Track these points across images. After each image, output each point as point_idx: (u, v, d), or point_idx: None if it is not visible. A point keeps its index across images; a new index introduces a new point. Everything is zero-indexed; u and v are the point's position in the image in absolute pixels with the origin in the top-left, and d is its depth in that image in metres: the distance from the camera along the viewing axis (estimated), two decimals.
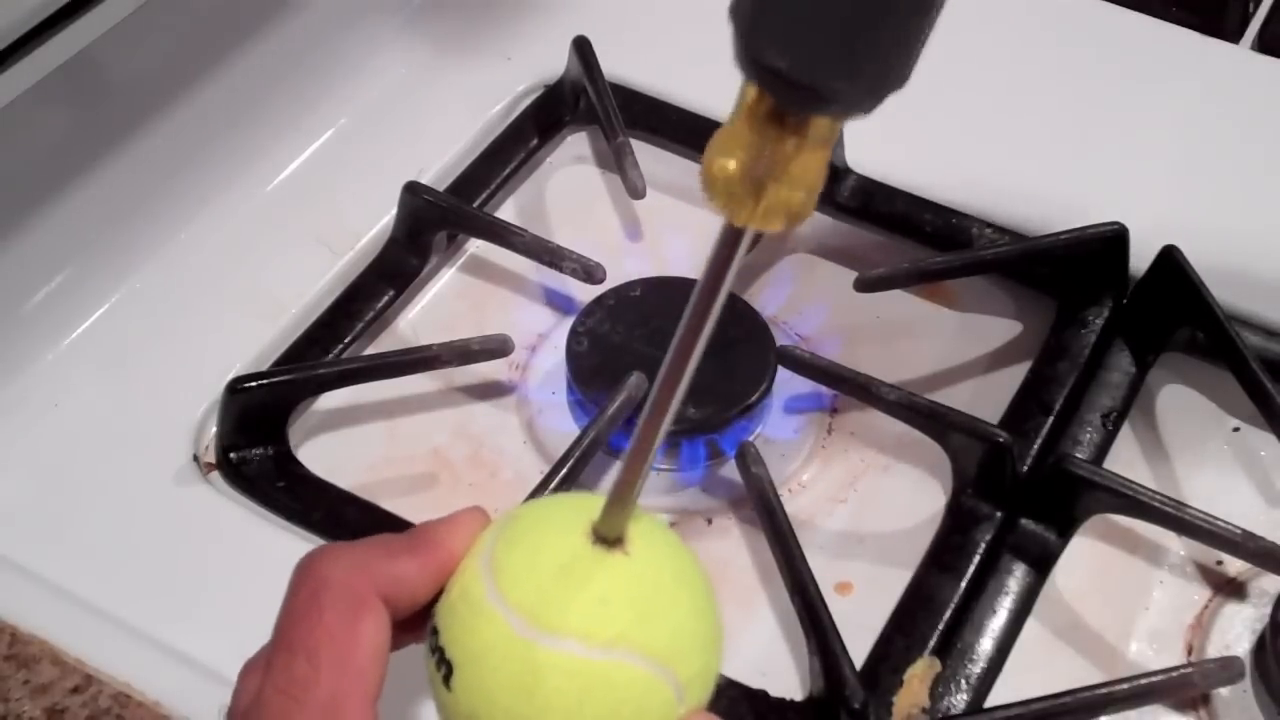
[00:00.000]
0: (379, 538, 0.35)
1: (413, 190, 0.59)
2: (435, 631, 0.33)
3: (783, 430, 0.56)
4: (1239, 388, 0.54)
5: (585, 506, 0.34)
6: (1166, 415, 0.56)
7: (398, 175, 0.61)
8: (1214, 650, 0.49)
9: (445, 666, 0.33)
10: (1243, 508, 0.52)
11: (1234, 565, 0.51)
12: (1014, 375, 0.56)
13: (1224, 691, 0.47)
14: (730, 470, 0.53)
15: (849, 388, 0.53)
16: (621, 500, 0.33)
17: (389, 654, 0.33)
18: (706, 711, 0.33)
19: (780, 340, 0.56)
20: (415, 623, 0.34)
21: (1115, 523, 0.51)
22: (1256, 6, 0.72)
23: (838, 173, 0.62)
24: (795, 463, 0.55)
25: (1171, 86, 0.68)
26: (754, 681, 0.47)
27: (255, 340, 0.57)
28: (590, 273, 0.56)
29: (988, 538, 0.50)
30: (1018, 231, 0.60)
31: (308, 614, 0.33)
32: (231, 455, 0.53)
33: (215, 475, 0.53)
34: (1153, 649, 0.49)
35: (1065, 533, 0.51)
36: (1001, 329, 0.60)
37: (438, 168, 0.64)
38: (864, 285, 0.57)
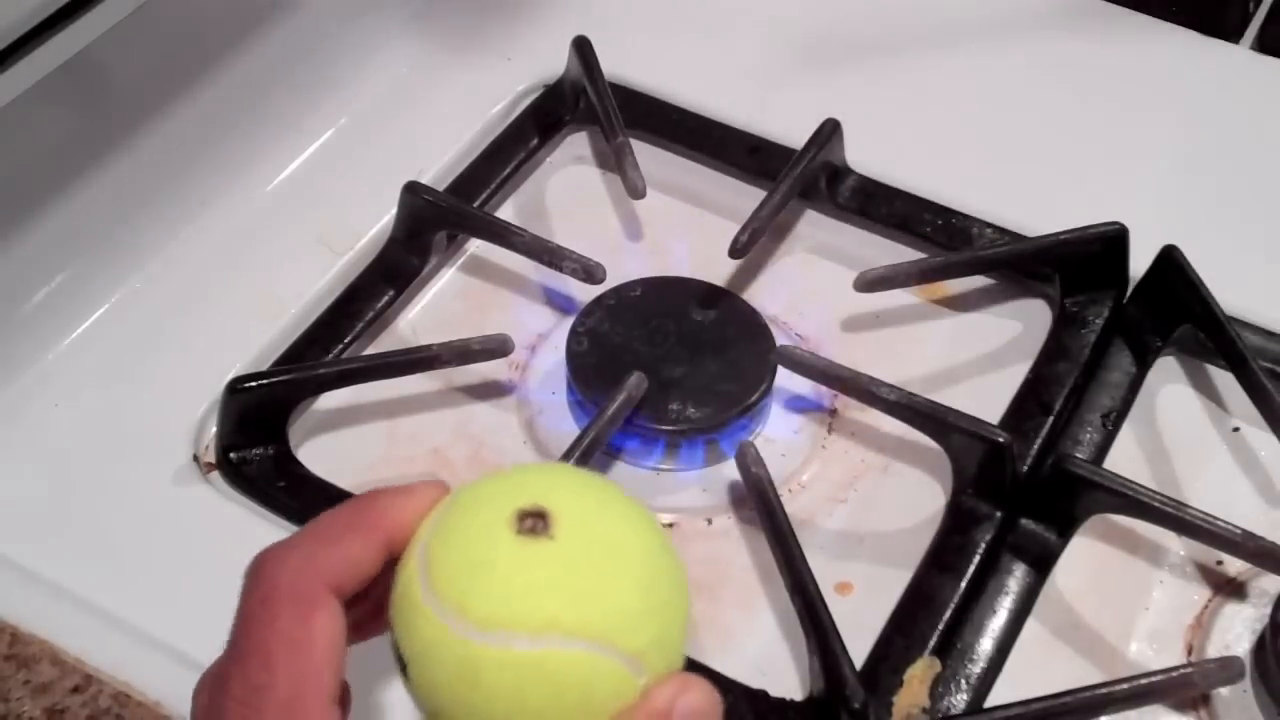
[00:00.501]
0: (320, 522, 0.35)
1: (413, 190, 0.59)
2: (391, 626, 0.34)
3: (783, 430, 0.56)
4: (1239, 388, 0.54)
5: (515, 489, 0.34)
6: (1166, 415, 0.56)
7: (398, 175, 0.61)
8: (1214, 650, 0.49)
9: (400, 661, 0.33)
10: (1243, 508, 0.52)
11: (1234, 565, 0.51)
12: (1014, 375, 0.56)
13: (1224, 691, 0.47)
14: (730, 470, 0.53)
15: (849, 388, 0.53)
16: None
17: (345, 644, 0.33)
18: (683, 674, 0.33)
19: (780, 340, 0.56)
20: (372, 598, 0.34)
21: (1115, 523, 0.51)
22: (1256, 6, 0.72)
23: (838, 172, 0.63)
24: (795, 463, 0.55)
25: (1171, 86, 0.68)
26: (754, 681, 0.47)
27: (255, 340, 0.57)
28: (590, 273, 0.56)
29: (988, 538, 0.50)
30: (1018, 231, 0.60)
31: (259, 620, 0.33)
32: (231, 455, 0.53)
33: (215, 475, 0.53)
34: (1153, 649, 0.49)
35: (1065, 533, 0.51)
36: (1001, 329, 0.60)
37: (438, 168, 0.64)
38: (864, 285, 0.57)
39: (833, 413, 0.57)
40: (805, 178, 0.61)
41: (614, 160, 0.61)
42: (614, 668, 0.32)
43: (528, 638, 0.31)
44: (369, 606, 0.35)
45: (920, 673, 0.47)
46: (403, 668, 0.33)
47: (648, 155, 0.63)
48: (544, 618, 0.31)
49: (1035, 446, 0.53)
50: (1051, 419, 0.54)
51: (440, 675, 0.32)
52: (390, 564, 0.34)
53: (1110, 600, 0.50)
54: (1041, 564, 0.51)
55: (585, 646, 0.32)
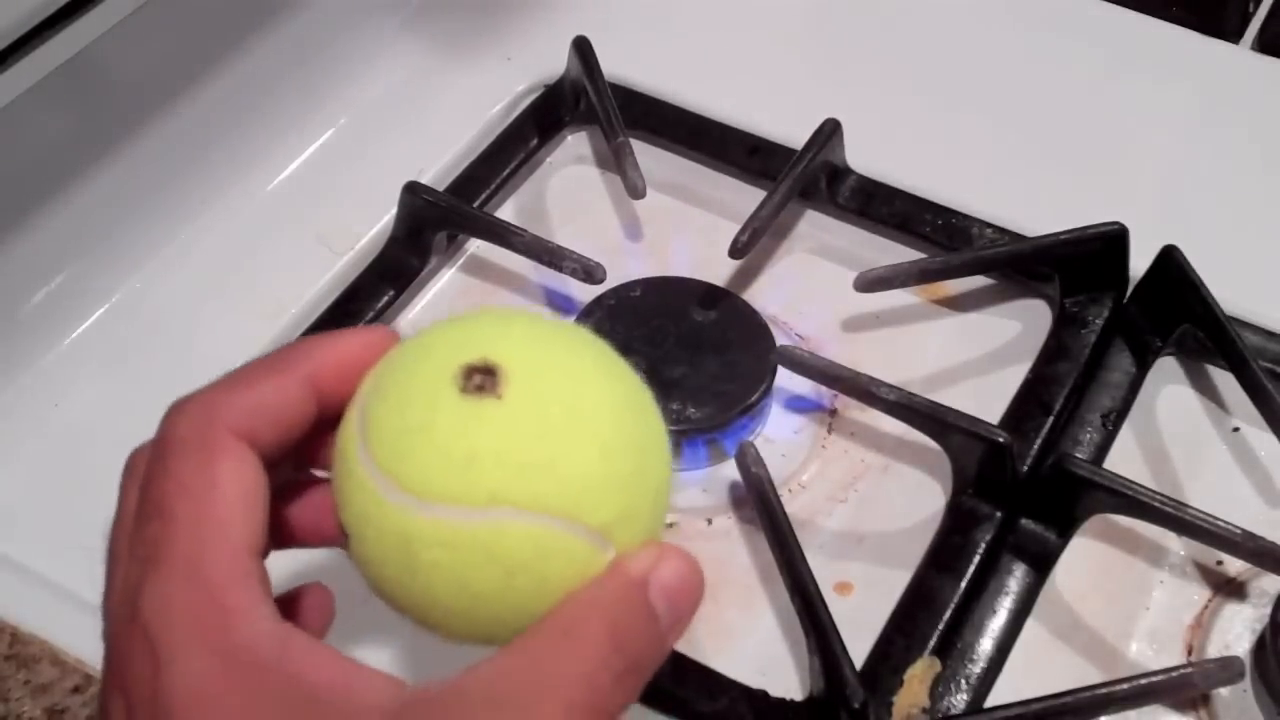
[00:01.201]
0: (238, 368, 0.32)
1: (413, 190, 0.59)
2: (332, 489, 0.31)
3: (783, 430, 0.56)
4: (1239, 388, 0.54)
5: (464, 339, 0.30)
6: (1166, 415, 0.56)
7: (398, 175, 0.61)
8: (1214, 650, 0.49)
9: (342, 530, 0.30)
10: (1243, 508, 0.52)
11: (1234, 565, 0.51)
12: (1014, 375, 0.56)
13: (1224, 691, 0.47)
14: (730, 470, 0.53)
15: (849, 388, 0.53)
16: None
17: (264, 495, 0.30)
18: (660, 543, 0.30)
19: (780, 340, 0.56)
20: (319, 448, 0.31)
21: (1115, 523, 0.51)
22: (1256, 6, 0.72)
23: (838, 172, 0.63)
24: (795, 463, 0.55)
25: (1171, 86, 0.68)
26: (754, 681, 0.47)
27: (255, 340, 0.57)
28: (590, 273, 0.56)
29: (988, 538, 0.50)
30: (1018, 231, 0.60)
31: (154, 476, 0.30)
32: None
33: None
34: (1153, 649, 0.49)
35: (1065, 533, 0.51)
36: (1001, 329, 0.60)
37: (438, 168, 0.64)
38: (864, 285, 0.57)
39: (833, 413, 0.57)
40: (805, 178, 0.61)
41: (614, 160, 0.61)
42: (574, 545, 0.28)
43: (470, 511, 0.28)
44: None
45: (920, 673, 0.47)
46: (346, 539, 0.30)
47: (648, 155, 0.63)
48: (488, 489, 0.28)
49: (1035, 446, 0.53)
50: (1051, 419, 0.54)
51: (377, 550, 0.29)
52: (330, 420, 0.31)
53: (1110, 600, 0.50)
54: (1041, 564, 0.51)
55: (538, 521, 0.28)
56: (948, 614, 0.49)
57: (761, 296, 0.60)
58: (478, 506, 0.28)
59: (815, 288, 0.61)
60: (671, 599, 0.29)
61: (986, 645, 0.49)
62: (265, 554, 0.30)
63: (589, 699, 0.27)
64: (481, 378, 0.28)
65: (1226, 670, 0.44)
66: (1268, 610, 0.48)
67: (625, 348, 0.55)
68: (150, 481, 0.30)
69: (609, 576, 0.29)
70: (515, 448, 0.28)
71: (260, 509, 0.30)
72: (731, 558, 0.52)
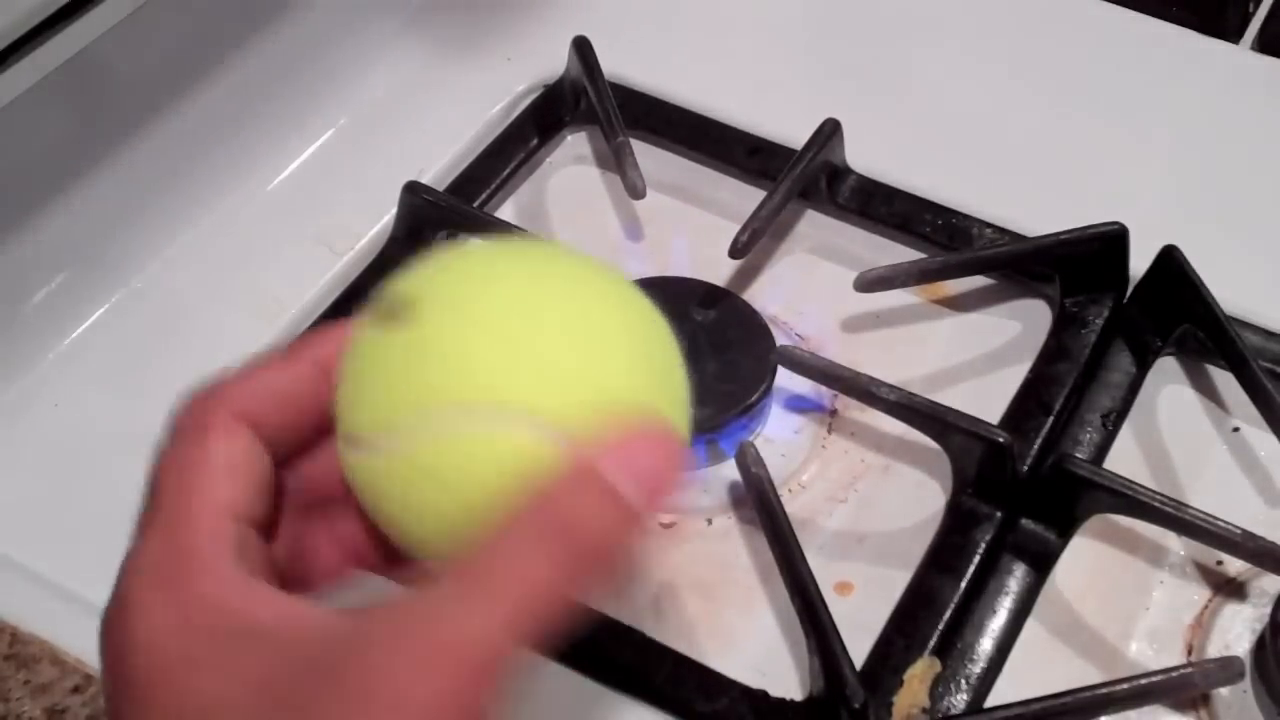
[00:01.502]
0: (255, 357, 0.33)
1: (413, 190, 0.59)
2: None
3: (783, 430, 0.56)
4: (1239, 388, 0.54)
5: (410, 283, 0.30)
6: (1166, 415, 0.56)
7: (398, 175, 0.61)
8: (1214, 650, 0.49)
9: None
10: (1243, 508, 0.52)
11: (1234, 565, 0.51)
12: (1014, 375, 0.56)
13: (1224, 691, 0.47)
14: (730, 470, 0.53)
15: (849, 388, 0.53)
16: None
17: (259, 471, 0.31)
18: (629, 429, 0.28)
19: (780, 340, 0.56)
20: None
21: (1115, 523, 0.51)
22: (1256, 6, 0.72)
23: (838, 172, 0.63)
24: (795, 463, 0.55)
25: (1171, 86, 0.68)
26: (754, 681, 0.47)
27: (255, 340, 0.57)
28: None
29: (988, 538, 0.50)
30: (1018, 231, 0.60)
31: (157, 461, 0.31)
32: None
33: None
34: (1153, 649, 0.49)
35: (1065, 533, 0.51)
36: (1001, 329, 0.60)
37: (438, 168, 0.64)
38: (864, 285, 0.57)
39: (833, 413, 0.57)
40: (805, 178, 0.61)
41: (614, 160, 0.61)
42: (513, 440, 0.28)
43: (396, 437, 0.28)
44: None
45: (920, 673, 0.47)
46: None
47: (648, 155, 0.63)
48: (405, 411, 0.28)
49: (1035, 446, 0.53)
50: (1051, 419, 0.54)
51: (361, 499, 0.30)
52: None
53: (1110, 600, 0.50)
54: (1041, 564, 0.51)
55: (470, 428, 0.28)
56: (948, 614, 0.49)
57: (761, 296, 0.60)
58: (402, 431, 0.28)
59: (815, 288, 0.61)
60: (634, 470, 0.28)
61: (986, 645, 0.49)
62: (268, 526, 0.31)
63: (536, 589, 0.27)
64: (392, 310, 0.29)
65: (1226, 670, 0.44)
66: (1268, 610, 0.48)
67: None
68: (152, 468, 0.31)
69: (561, 467, 0.28)
70: (425, 366, 0.28)
71: (249, 476, 0.31)
72: (731, 558, 0.52)
